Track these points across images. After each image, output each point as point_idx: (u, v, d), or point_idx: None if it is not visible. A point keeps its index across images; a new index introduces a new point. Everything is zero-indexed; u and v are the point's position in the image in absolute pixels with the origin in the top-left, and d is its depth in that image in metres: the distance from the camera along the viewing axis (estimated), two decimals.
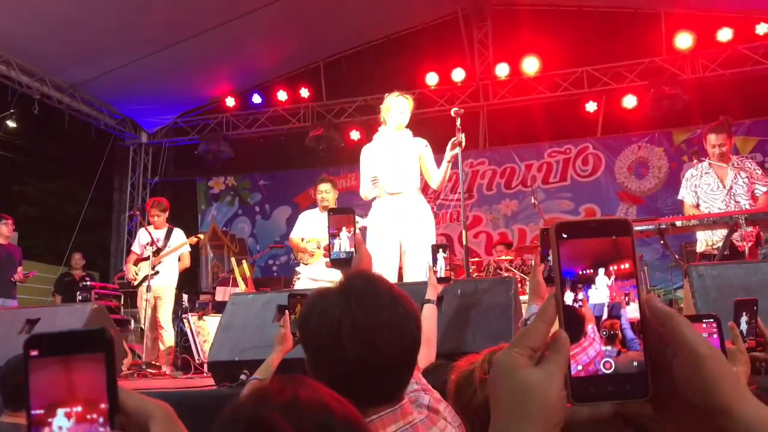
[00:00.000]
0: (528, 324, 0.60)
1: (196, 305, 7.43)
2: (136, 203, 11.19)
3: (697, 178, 5.07)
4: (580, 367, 0.58)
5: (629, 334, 0.59)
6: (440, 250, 2.87)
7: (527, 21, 9.50)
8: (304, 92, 10.59)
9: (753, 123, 8.72)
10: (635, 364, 0.58)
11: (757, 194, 4.86)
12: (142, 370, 5.56)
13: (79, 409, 0.59)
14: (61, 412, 0.59)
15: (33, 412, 0.59)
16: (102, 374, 0.59)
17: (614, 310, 0.59)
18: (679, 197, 5.28)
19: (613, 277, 0.59)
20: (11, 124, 9.90)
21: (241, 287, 6.80)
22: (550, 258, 2.16)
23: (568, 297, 0.59)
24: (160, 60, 9.06)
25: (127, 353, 4.39)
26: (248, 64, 10.30)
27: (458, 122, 4.40)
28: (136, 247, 6.73)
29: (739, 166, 4.92)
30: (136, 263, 6.51)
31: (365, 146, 4.70)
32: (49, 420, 0.59)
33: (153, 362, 6.07)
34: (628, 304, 0.59)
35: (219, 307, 6.90)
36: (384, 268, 4.16)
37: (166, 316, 6.33)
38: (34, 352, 0.60)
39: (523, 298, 4.40)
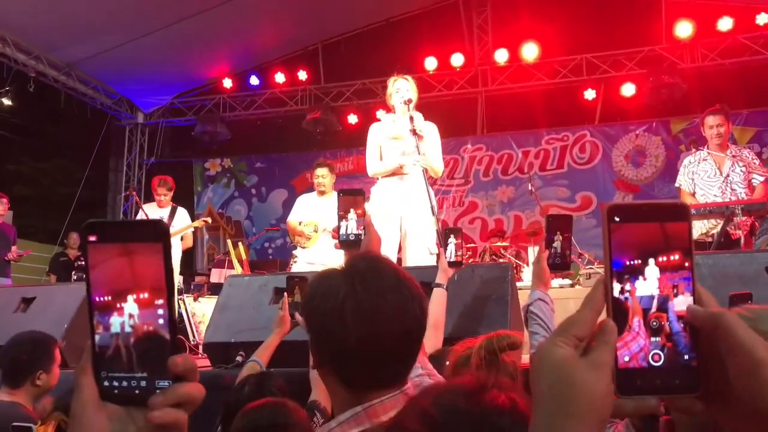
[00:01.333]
0: (573, 313, 0.57)
1: (192, 287, 7.43)
2: (132, 183, 11.15)
3: (694, 165, 5.10)
4: (627, 358, 0.56)
5: (676, 327, 0.57)
6: (452, 234, 2.87)
7: (527, 7, 9.45)
8: (302, 75, 10.52)
9: (751, 113, 8.72)
10: (686, 357, 0.56)
11: (754, 184, 4.89)
12: None
13: (145, 295, 0.60)
14: (130, 298, 0.60)
15: (98, 298, 0.60)
16: (160, 263, 0.60)
17: (662, 303, 0.57)
18: (676, 184, 5.30)
19: (663, 268, 0.57)
20: (6, 101, 9.83)
21: (237, 269, 6.80)
22: (555, 244, 2.18)
23: (616, 287, 0.57)
24: (158, 40, 8.98)
25: None
26: (246, 45, 10.22)
27: (409, 107, 4.26)
28: None
29: (737, 155, 4.94)
30: None
31: (374, 124, 4.67)
32: (119, 305, 0.60)
33: None
34: (676, 296, 0.57)
35: (214, 289, 6.91)
36: (384, 248, 4.14)
37: (181, 297, 6.35)
38: (93, 238, 0.60)
39: (520, 284, 4.42)
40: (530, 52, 9.45)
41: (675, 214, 0.58)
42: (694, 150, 5.11)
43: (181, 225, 6.64)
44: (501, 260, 6.90)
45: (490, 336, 1.63)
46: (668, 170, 8.75)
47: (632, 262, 0.57)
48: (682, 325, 0.57)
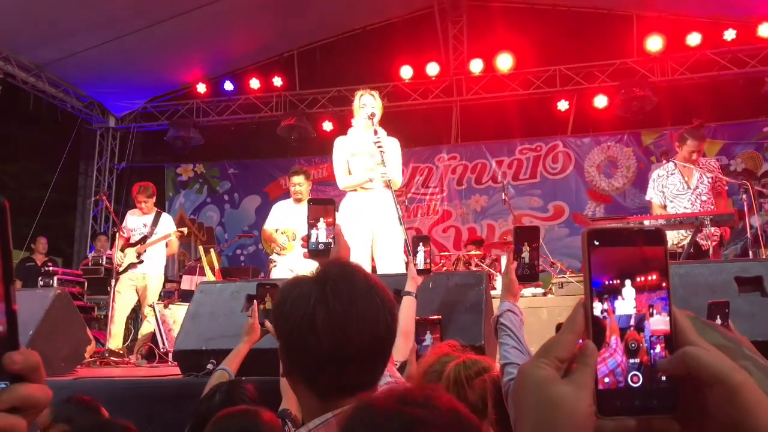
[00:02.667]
0: (552, 336, 0.58)
1: (162, 293, 7.32)
2: (102, 188, 10.97)
3: (663, 178, 5.18)
4: (607, 380, 0.57)
5: (652, 346, 0.58)
6: (421, 242, 2.87)
7: (502, 18, 9.56)
8: (277, 81, 10.48)
9: (719, 126, 8.91)
10: (663, 379, 0.57)
11: (718, 190, 5.00)
12: (105, 358, 5.47)
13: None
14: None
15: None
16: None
17: (639, 322, 0.58)
18: (647, 198, 5.38)
19: (640, 289, 0.58)
20: None
21: (209, 276, 6.73)
22: (524, 255, 2.18)
23: (596, 306, 0.58)
24: (131, 43, 8.87)
25: (90, 340, 4.30)
26: (221, 50, 10.16)
27: (373, 122, 4.31)
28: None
29: (704, 166, 5.03)
30: (123, 248, 6.42)
31: (340, 138, 4.69)
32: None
33: (117, 350, 5.98)
34: (652, 315, 0.58)
35: (185, 296, 6.83)
36: (355, 259, 4.17)
37: (152, 303, 6.27)
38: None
39: (494, 293, 4.43)
40: (505, 62, 9.54)
41: (652, 238, 0.60)
42: (664, 161, 5.19)
43: (165, 232, 6.58)
44: (474, 269, 6.93)
45: (458, 362, 1.64)
46: (639, 181, 8.89)
47: (610, 282, 0.58)
48: (657, 344, 0.58)
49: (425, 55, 9.95)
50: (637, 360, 0.57)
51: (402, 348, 2.49)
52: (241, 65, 10.68)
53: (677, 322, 0.58)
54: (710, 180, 4.99)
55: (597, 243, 0.59)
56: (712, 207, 4.91)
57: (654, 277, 0.59)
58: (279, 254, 5.76)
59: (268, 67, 10.63)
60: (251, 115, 10.74)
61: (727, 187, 5.02)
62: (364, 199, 4.40)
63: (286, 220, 5.82)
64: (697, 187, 5.01)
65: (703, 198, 4.96)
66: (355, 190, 4.49)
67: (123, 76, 10.02)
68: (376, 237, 4.33)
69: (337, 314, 1.14)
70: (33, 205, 10.27)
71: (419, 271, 2.79)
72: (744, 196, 4.74)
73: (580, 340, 0.58)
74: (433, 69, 9.89)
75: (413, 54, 9.97)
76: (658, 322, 0.58)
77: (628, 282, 0.58)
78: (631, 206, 8.90)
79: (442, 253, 8.65)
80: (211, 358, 3.21)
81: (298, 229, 5.71)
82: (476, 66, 9.76)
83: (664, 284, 0.59)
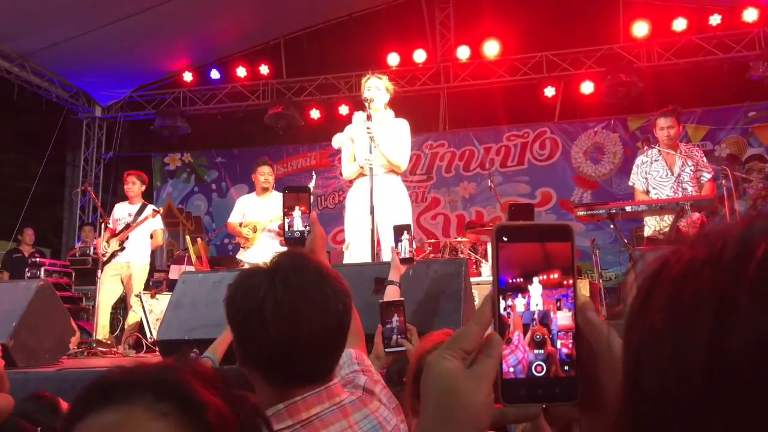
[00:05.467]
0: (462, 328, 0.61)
1: (150, 283, 7.32)
2: (90, 178, 10.93)
3: (647, 165, 5.21)
4: (512, 370, 0.59)
5: (556, 340, 0.60)
6: (404, 231, 2.88)
7: (489, 5, 9.52)
8: (264, 69, 10.43)
9: (704, 111, 8.95)
10: (566, 368, 0.59)
11: (702, 181, 5.03)
12: (92, 348, 5.48)
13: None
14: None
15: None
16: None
17: (544, 318, 0.60)
18: (630, 183, 5.42)
19: (546, 285, 0.60)
20: None
21: (196, 267, 6.73)
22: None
23: (502, 302, 0.60)
24: (116, 32, 8.79)
25: (75, 331, 4.31)
26: (207, 38, 10.08)
27: (370, 105, 4.32)
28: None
29: (686, 153, 5.07)
30: (108, 239, 6.42)
31: (347, 127, 4.72)
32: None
33: (104, 340, 5.99)
34: (559, 309, 0.60)
35: (172, 286, 6.81)
36: (361, 246, 4.23)
37: (138, 293, 6.27)
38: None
39: (474, 279, 4.48)
40: (492, 49, 9.53)
41: (559, 234, 0.61)
42: (646, 147, 5.22)
43: (139, 221, 6.56)
44: (461, 256, 6.96)
45: (422, 353, 1.69)
46: (626, 167, 8.92)
47: (516, 280, 0.60)
48: (561, 338, 0.60)
49: (412, 43, 9.92)
50: (542, 351, 0.59)
51: None
52: (228, 53, 10.62)
53: (579, 317, 0.60)
54: (692, 168, 5.02)
55: (506, 239, 0.60)
56: (695, 194, 4.95)
57: (557, 275, 0.60)
58: (244, 247, 5.86)
59: (254, 55, 10.57)
60: (238, 103, 10.70)
61: (713, 173, 5.05)
62: (364, 185, 4.35)
63: (249, 212, 5.91)
64: (679, 174, 5.05)
65: (685, 185, 5.00)
66: (358, 177, 4.52)
67: (108, 65, 9.94)
68: (377, 222, 4.29)
69: (285, 305, 1.16)
70: (20, 196, 10.22)
71: (402, 260, 2.81)
72: (724, 181, 4.78)
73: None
74: (420, 56, 9.87)
75: (400, 41, 9.94)
76: (564, 318, 0.60)
77: (535, 279, 0.60)
78: (618, 192, 8.94)
79: (430, 240, 8.68)
80: (193, 348, 3.23)
81: (259, 221, 5.81)
82: (463, 53, 9.75)
83: (569, 281, 0.60)
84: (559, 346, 0.60)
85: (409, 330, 2.45)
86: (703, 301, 0.39)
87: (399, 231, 2.87)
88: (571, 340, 0.60)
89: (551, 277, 0.60)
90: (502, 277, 0.60)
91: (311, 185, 5.07)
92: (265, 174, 6.02)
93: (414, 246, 2.90)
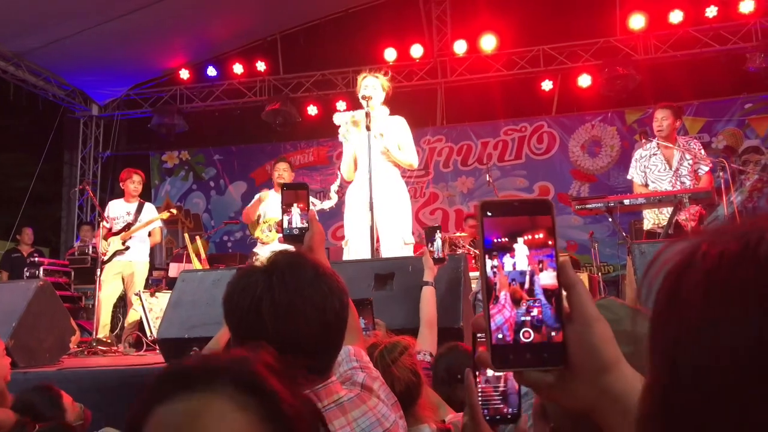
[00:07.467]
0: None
1: (149, 281, 7.32)
2: (87, 177, 10.91)
3: (645, 159, 5.22)
4: (500, 335, 0.60)
5: (542, 299, 0.61)
6: (437, 231, 2.90)
7: None
8: (261, 65, 10.42)
9: (701, 104, 8.95)
10: (552, 334, 0.61)
11: (700, 174, 5.04)
12: (93, 347, 5.48)
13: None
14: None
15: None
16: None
17: (529, 277, 0.62)
18: (629, 177, 5.43)
19: (531, 245, 0.62)
20: None
21: (195, 265, 6.73)
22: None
23: (488, 263, 0.62)
24: (112, 30, 8.77)
25: (74, 330, 4.31)
26: (203, 36, 10.06)
27: (368, 104, 4.34)
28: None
29: (684, 147, 5.08)
30: (106, 237, 6.40)
31: (349, 113, 4.74)
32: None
33: (105, 339, 5.99)
34: (542, 270, 0.62)
35: (172, 284, 6.81)
36: (360, 242, 4.24)
37: (138, 292, 6.28)
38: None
39: (473, 274, 4.48)
40: (488, 43, 9.52)
41: (540, 208, 0.63)
42: (644, 141, 5.23)
43: (148, 218, 6.57)
44: (459, 251, 6.97)
45: (380, 349, 1.74)
46: (623, 160, 8.93)
47: (501, 239, 0.62)
48: (546, 299, 0.62)
49: (409, 38, 9.91)
50: (530, 314, 0.61)
51: (428, 337, 2.53)
52: (224, 50, 10.60)
53: (563, 269, 0.62)
54: (690, 162, 5.03)
55: (489, 214, 0.62)
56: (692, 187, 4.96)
57: (541, 235, 0.62)
58: (263, 243, 5.80)
59: (251, 52, 10.56)
60: (235, 100, 10.69)
61: (711, 166, 5.06)
62: (364, 182, 4.34)
63: (269, 209, 5.85)
64: (677, 168, 5.05)
65: (683, 179, 5.00)
66: (357, 176, 4.55)
67: (105, 64, 9.92)
68: (377, 218, 4.29)
69: (282, 305, 1.17)
70: (18, 195, 10.20)
71: (435, 260, 2.83)
72: (721, 174, 4.79)
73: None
74: (417, 51, 9.86)
75: (397, 36, 9.93)
76: (547, 277, 0.62)
77: (519, 239, 0.62)
78: (615, 185, 8.95)
79: None
80: (193, 346, 3.24)
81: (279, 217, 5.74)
82: (460, 47, 9.74)
83: (550, 242, 0.62)
84: (545, 304, 0.61)
85: (379, 325, 2.47)
86: (749, 292, 0.40)
87: (432, 232, 2.90)
88: (554, 301, 0.62)
89: (535, 237, 0.62)
90: (487, 238, 0.62)
91: (333, 196, 5.05)
92: (279, 170, 6.00)
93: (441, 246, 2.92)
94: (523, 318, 0.61)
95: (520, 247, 0.62)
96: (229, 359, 0.70)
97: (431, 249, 2.85)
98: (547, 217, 0.63)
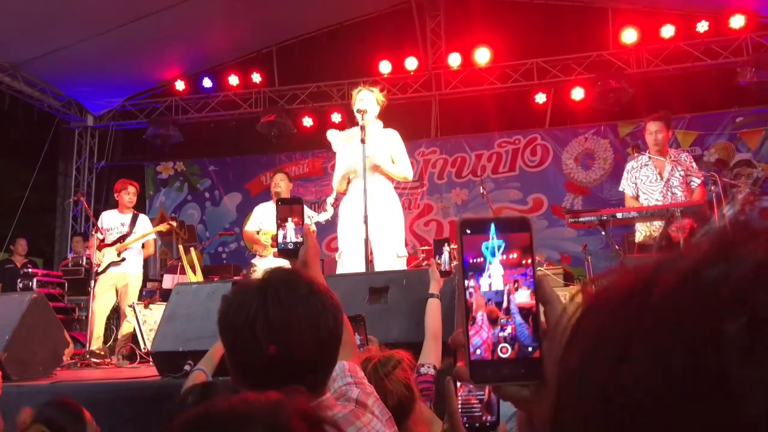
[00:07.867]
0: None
1: (143, 293, 7.31)
2: (82, 188, 10.89)
3: (636, 170, 5.27)
4: (479, 352, 0.61)
5: (518, 318, 0.62)
6: (445, 243, 2.91)
7: (479, 12, 9.59)
8: (256, 77, 10.46)
9: (693, 117, 9.03)
10: (529, 349, 0.62)
11: (692, 186, 5.08)
12: (86, 359, 5.46)
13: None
14: None
15: None
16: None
17: (506, 296, 0.63)
18: (620, 189, 5.47)
19: (506, 264, 0.63)
20: None
21: (190, 276, 6.73)
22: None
23: (466, 282, 0.63)
24: (108, 41, 8.80)
25: (68, 343, 4.30)
26: (199, 47, 10.10)
27: (363, 117, 4.39)
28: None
29: (675, 159, 5.13)
30: (100, 248, 6.40)
31: (342, 133, 4.77)
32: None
33: (98, 351, 5.97)
34: (518, 289, 0.63)
35: (166, 296, 6.81)
36: (354, 255, 4.27)
37: (132, 303, 6.27)
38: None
39: None
40: (482, 56, 9.60)
41: (519, 226, 0.65)
42: (636, 154, 5.28)
43: (143, 231, 6.57)
44: (454, 263, 6.98)
45: (374, 363, 1.76)
46: (616, 172, 8.96)
47: (477, 259, 0.63)
48: (522, 317, 0.63)
49: (404, 50, 9.97)
50: (506, 333, 0.62)
51: (433, 350, 2.54)
52: (220, 62, 10.64)
53: (540, 286, 0.63)
54: (682, 174, 5.08)
55: (469, 232, 0.64)
56: (684, 199, 5.01)
57: (516, 254, 0.63)
58: (261, 256, 5.82)
59: (246, 64, 10.60)
60: (231, 111, 10.71)
61: (702, 179, 5.11)
62: (358, 194, 4.37)
63: (267, 221, 5.86)
64: (668, 179, 5.10)
65: (674, 191, 5.05)
66: (350, 188, 4.59)
67: (100, 75, 9.94)
68: (371, 231, 4.28)
69: (276, 322, 1.18)
70: (12, 205, 10.19)
71: (442, 273, 2.84)
72: (713, 187, 4.84)
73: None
74: (411, 63, 9.92)
75: (392, 49, 9.99)
76: (523, 296, 0.63)
77: (495, 260, 0.63)
78: (609, 197, 9.00)
79: (423, 248, 8.70)
80: (188, 360, 3.24)
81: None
82: (454, 60, 9.81)
83: (527, 260, 0.63)
84: (521, 323, 0.62)
85: (371, 341, 2.49)
86: (600, 345, 0.38)
87: (440, 244, 2.90)
88: (531, 319, 0.63)
89: (510, 256, 0.63)
90: (465, 257, 0.63)
91: (329, 208, 5.08)
92: (275, 180, 6.03)
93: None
94: (501, 334, 0.62)
95: (496, 267, 0.63)
96: (263, 404, 0.68)
97: (438, 261, 2.86)
98: (526, 235, 0.64)
